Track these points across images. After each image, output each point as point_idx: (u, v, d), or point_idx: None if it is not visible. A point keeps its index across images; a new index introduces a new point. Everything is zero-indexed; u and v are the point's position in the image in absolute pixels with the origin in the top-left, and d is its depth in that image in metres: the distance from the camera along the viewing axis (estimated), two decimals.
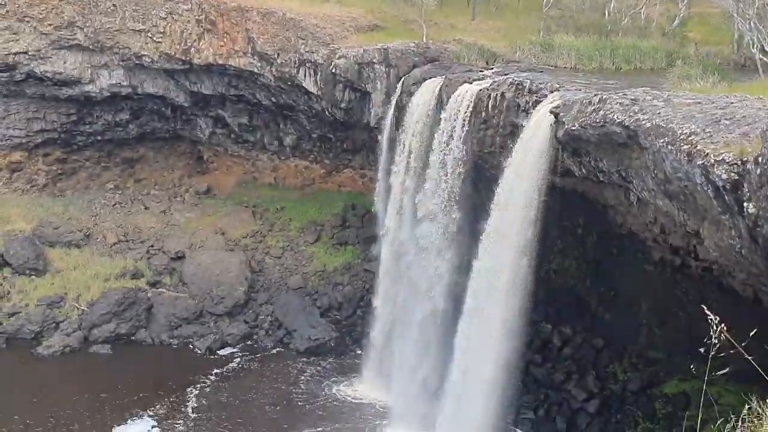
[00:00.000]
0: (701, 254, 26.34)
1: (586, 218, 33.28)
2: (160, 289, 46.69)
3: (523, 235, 28.50)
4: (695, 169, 18.69)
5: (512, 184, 28.94)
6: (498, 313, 29.85)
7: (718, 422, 9.48)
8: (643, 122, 21.55)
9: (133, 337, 44.09)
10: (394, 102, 38.91)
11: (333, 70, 42.42)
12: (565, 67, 38.04)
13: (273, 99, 48.02)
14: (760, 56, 33.61)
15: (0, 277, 45.48)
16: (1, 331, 43.45)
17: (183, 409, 35.69)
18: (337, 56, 42.30)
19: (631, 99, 23.16)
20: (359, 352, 42.40)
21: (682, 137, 19.44)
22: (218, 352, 43.10)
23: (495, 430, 30.20)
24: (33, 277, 46.09)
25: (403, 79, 39.17)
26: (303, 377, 39.87)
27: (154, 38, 46.84)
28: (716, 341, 8.17)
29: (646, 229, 29.03)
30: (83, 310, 44.73)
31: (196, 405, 36.15)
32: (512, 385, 31.37)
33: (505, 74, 33.63)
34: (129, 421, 34.22)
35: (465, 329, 31.49)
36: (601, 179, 26.61)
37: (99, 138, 52.02)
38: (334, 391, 38.38)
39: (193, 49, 46.65)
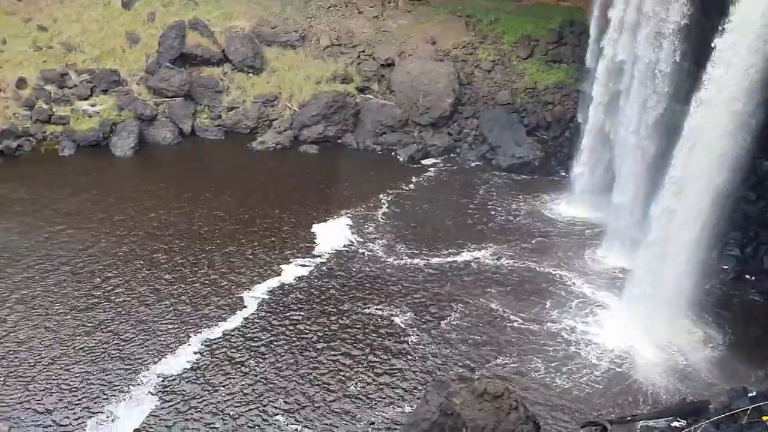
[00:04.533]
0: None
1: None
2: (368, 96, 47.12)
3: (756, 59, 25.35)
4: None
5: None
6: (717, 144, 27.38)
7: None
8: None
9: (339, 141, 45.41)
10: None
11: None
12: None
13: None
14: None
15: (221, 73, 47.61)
16: (221, 124, 46.25)
17: (375, 213, 36.56)
18: None
19: None
20: (563, 173, 41.20)
21: None
22: (420, 161, 43.43)
23: (698, 260, 28.75)
24: (250, 74, 47.94)
25: None
26: (506, 192, 39.44)
27: None
28: None
29: None
30: (295, 110, 46.28)
31: (387, 211, 36.88)
32: (722, 218, 29.36)
33: None
34: (328, 219, 35.55)
35: (679, 157, 29.34)
36: None
37: None
38: (540, 207, 37.78)
39: None
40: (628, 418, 22.81)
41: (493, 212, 37.19)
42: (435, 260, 32.16)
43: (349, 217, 36.10)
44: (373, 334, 26.66)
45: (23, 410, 22.05)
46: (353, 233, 34.48)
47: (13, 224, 33.62)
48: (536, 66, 47.61)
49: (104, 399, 22.78)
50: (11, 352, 24.58)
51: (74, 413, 22.14)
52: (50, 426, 21.60)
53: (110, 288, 28.82)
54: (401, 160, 43.51)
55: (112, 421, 21.98)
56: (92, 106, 45.30)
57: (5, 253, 31.00)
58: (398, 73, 47.31)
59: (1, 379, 23.38)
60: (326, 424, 22.21)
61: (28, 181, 38.32)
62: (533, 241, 34.27)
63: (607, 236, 33.35)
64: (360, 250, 32.92)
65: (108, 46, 48.15)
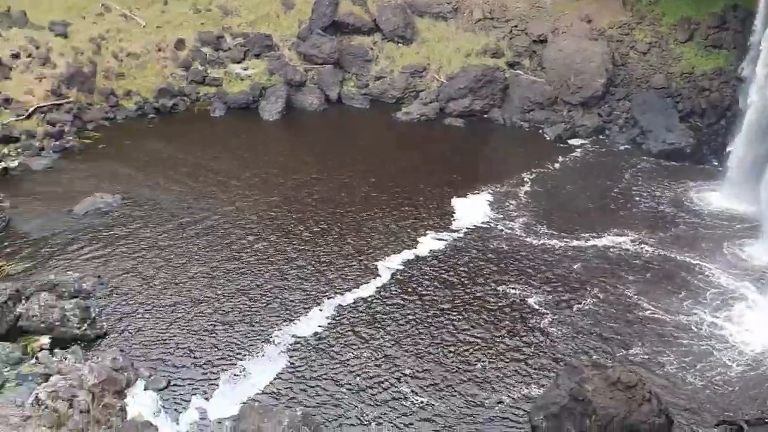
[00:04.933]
0: None
1: None
2: (518, 71, 46.05)
3: None
4: None
5: None
6: None
7: None
8: None
9: (485, 115, 44.73)
10: None
11: None
12: None
13: None
14: None
15: (371, 42, 47.65)
16: (367, 93, 46.43)
17: (517, 191, 35.67)
18: None
19: None
20: (716, 163, 39.02)
21: None
22: (567, 141, 42.14)
23: None
24: (400, 44, 47.78)
25: None
26: (653, 178, 37.67)
27: None
28: None
29: None
30: (442, 82, 45.80)
31: (529, 189, 35.92)
32: None
33: None
34: (468, 194, 34.98)
35: None
36: None
37: None
38: (688, 196, 35.87)
39: None
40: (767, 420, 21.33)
41: (637, 198, 35.55)
42: (574, 243, 31.06)
43: (490, 193, 35.39)
44: (505, 313, 26.01)
45: (162, 363, 22.73)
46: (493, 210, 33.77)
47: (161, 179, 34.91)
48: (695, 50, 45.09)
49: (237, 355, 23.21)
50: (150, 308, 25.35)
51: (209, 367, 22.65)
52: (186, 378, 22.18)
53: (247, 248, 29.37)
54: (548, 138, 42.36)
55: (244, 376, 22.37)
56: (244, 69, 46.38)
57: (149, 207, 32.15)
58: (550, 50, 45.92)
59: (141, 333, 24.12)
60: (451, 399, 21.84)
61: (180, 138, 39.72)
62: (678, 231, 32.51)
63: (762, 232, 31.22)
64: (499, 227, 32.20)
65: (263, 11, 49.16)
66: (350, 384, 22.30)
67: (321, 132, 43.19)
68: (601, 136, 42.78)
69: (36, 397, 19.79)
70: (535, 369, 23.35)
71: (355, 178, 36.13)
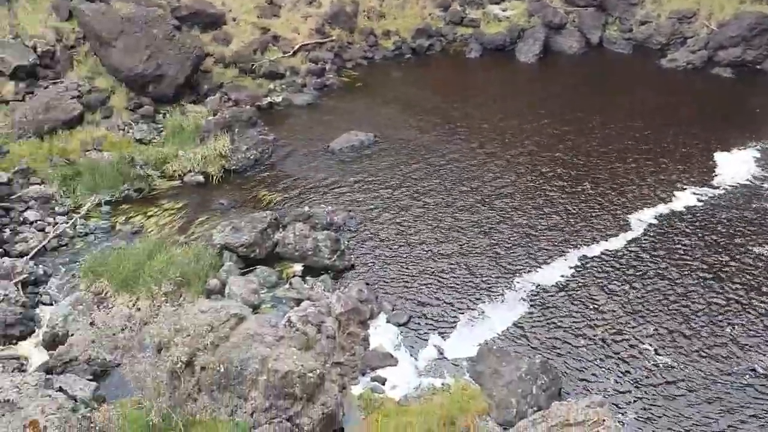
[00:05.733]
0: None
1: None
2: None
3: None
4: None
5: None
6: None
7: None
8: None
9: (758, 66, 41.13)
10: None
11: None
12: None
13: None
14: None
15: None
16: (631, 38, 44.26)
17: None
18: None
19: None
20: None
21: None
22: None
23: None
24: None
25: None
26: None
27: None
28: None
29: None
30: (712, 29, 42.53)
31: None
32: None
33: None
34: (732, 149, 32.43)
35: None
36: None
37: None
38: None
39: None
40: None
41: None
42: None
43: (757, 149, 32.53)
44: (764, 278, 23.84)
45: (403, 299, 23.19)
46: (759, 167, 31.02)
47: (413, 119, 35.46)
48: None
49: (477, 298, 23.18)
50: (395, 245, 25.88)
51: (448, 307, 22.83)
52: (426, 316, 22.49)
53: (493, 192, 29.09)
54: None
55: (483, 319, 22.32)
56: (503, 10, 45.73)
57: (399, 146, 32.73)
58: None
59: (385, 268, 24.72)
60: (697, 363, 20.47)
61: (434, 79, 40.12)
62: None
63: None
64: (764, 185, 29.55)
65: None
66: (591, 337, 21.57)
67: (579, 77, 41.67)
68: None
69: (288, 319, 21.00)
70: None
71: (612, 126, 34.58)
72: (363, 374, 20.25)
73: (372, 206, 28.17)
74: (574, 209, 27.99)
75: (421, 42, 43.74)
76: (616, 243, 25.95)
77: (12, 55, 33.63)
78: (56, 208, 27.40)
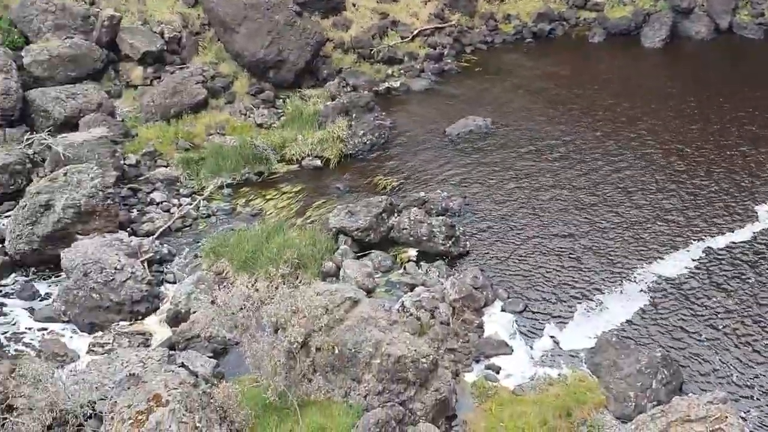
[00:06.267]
0: None
1: None
2: None
3: None
4: None
5: None
6: None
7: None
8: None
9: None
10: None
11: None
12: None
13: None
14: None
15: None
16: (763, 23, 42.67)
17: None
18: None
19: None
20: None
21: None
22: None
23: None
24: None
25: None
26: None
27: None
28: None
29: None
30: None
31: None
32: None
33: None
34: None
35: None
36: None
37: None
38: None
39: None
40: None
41: None
42: None
43: None
44: None
45: (518, 288, 22.88)
46: None
47: (531, 105, 34.86)
48: None
49: (594, 288, 22.62)
50: (510, 232, 25.50)
51: (565, 297, 22.38)
52: (542, 305, 22.13)
53: (609, 179, 28.25)
54: None
55: (600, 310, 21.78)
56: None
57: (518, 133, 32.22)
58: None
59: (500, 255, 24.41)
60: None
61: (554, 64, 39.20)
62: None
63: None
64: None
65: None
66: (714, 331, 20.69)
67: (706, 63, 39.91)
68: None
69: (402, 304, 21.04)
70: None
71: (737, 112, 32.98)
72: (477, 361, 20.08)
73: (488, 193, 27.84)
74: (697, 199, 26.87)
75: (542, 26, 42.88)
76: (742, 235, 24.79)
77: (141, 40, 34.94)
78: (181, 190, 28.35)
